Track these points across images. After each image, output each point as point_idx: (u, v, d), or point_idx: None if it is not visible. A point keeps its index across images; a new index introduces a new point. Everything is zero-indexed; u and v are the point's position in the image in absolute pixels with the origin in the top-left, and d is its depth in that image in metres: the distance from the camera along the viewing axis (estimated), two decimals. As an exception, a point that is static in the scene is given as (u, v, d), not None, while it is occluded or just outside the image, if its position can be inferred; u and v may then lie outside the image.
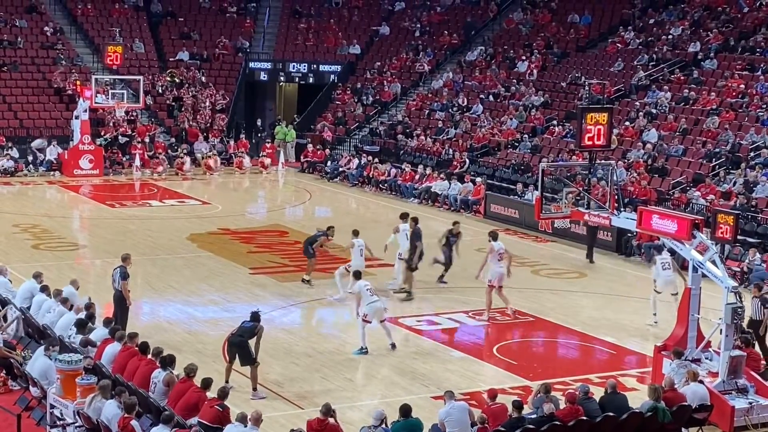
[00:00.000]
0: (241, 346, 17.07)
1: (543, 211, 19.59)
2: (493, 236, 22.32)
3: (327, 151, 42.26)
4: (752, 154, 31.88)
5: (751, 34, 39.40)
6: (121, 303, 19.28)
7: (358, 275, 20.16)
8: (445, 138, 40.76)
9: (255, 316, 17.43)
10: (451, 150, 39.17)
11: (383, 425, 13.92)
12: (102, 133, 41.54)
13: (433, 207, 35.18)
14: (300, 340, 20.27)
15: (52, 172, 39.36)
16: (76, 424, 14.58)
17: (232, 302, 22.65)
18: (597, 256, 27.93)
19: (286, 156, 43.54)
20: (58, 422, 15.03)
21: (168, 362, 15.29)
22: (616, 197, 19.70)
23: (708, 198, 29.50)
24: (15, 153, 39.67)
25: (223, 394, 14.36)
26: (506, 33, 48.08)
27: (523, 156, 37.02)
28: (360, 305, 19.43)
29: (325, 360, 19.07)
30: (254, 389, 17.00)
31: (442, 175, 36.25)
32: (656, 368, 17.68)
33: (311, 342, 20.18)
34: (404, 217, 24.59)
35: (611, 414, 14.82)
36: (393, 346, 19.51)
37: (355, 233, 23.55)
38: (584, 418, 14.58)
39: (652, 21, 43.60)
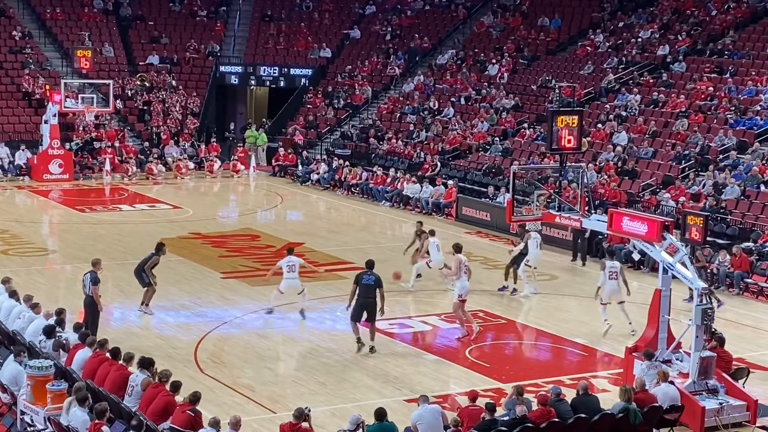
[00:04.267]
0: (137, 273, 21.71)
1: (514, 214, 19.66)
2: (457, 248, 21.56)
3: (304, 153, 42.20)
4: (721, 156, 32.11)
5: (719, 37, 39.70)
6: (93, 308, 19.20)
7: (290, 251, 22.29)
8: (416, 141, 40.81)
9: (158, 247, 21.83)
10: (422, 153, 39.22)
11: (359, 430, 13.91)
12: (73, 138, 41.35)
13: (405, 210, 35.22)
14: (272, 344, 20.22)
15: (21, 177, 39.11)
16: (47, 431, 14.47)
17: (203, 307, 22.57)
18: (568, 258, 28.00)
19: (257, 160, 43.45)
20: (28, 428, 14.91)
21: (146, 365, 15.25)
22: (587, 200, 19.77)
23: (678, 200, 29.68)
24: (-17, 158, 39.43)
25: (195, 398, 14.29)
26: (477, 36, 48.21)
27: (494, 159, 37.12)
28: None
29: (298, 364, 19.04)
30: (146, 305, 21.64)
31: (413, 179, 36.29)
32: (627, 369, 17.76)
33: (283, 346, 20.13)
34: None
35: (583, 415, 14.87)
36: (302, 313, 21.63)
37: (431, 233, 24.57)
38: (556, 419, 14.63)
39: (621, 24, 43.85)
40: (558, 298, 24.26)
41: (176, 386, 14.72)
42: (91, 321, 18.94)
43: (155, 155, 41.75)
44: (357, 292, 19.51)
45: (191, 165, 41.75)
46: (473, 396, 15.18)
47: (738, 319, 22.60)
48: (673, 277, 17.28)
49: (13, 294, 19.07)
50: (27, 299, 18.69)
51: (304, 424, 13.88)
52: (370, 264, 20.02)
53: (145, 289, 21.73)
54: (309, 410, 14.00)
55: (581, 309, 23.46)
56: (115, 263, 25.84)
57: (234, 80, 49.19)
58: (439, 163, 37.89)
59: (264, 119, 47.94)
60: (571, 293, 24.72)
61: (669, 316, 17.56)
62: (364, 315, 19.49)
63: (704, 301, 16.57)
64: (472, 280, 25.07)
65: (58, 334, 17.16)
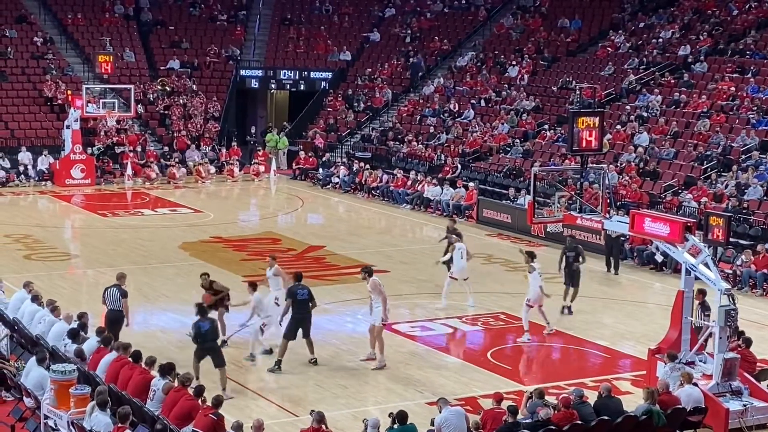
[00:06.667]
0: (215, 350, 17.50)
1: (535, 216, 19.62)
2: (368, 272, 19.50)
3: (326, 156, 42.24)
4: (743, 156, 31.94)
5: (740, 37, 39.50)
6: (116, 323, 18.71)
7: (254, 287, 19.19)
8: (436, 143, 40.78)
9: (202, 311, 17.75)
10: (442, 155, 39.19)
11: (379, 432, 13.92)
12: (95, 143, 41.57)
13: (426, 213, 35.20)
14: (294, 347, 20.19)
15: (43, 182, 39.31)
16: (70, 435, 14.54)
17: (225, 310, 22.56)
18: (590, 260, 27.84)
19: (278, 163, 43.52)
20: (51, 433, 15.00)
21: (167, 370, 15.29)
22: (608, 201, 19.71)
23: (700, 201, 29.54)
24: (6, 163, 39.61)
25: (218, 402, 14.33)
26: (497, 38, 48.13)
27: (514, 161, 37.05)
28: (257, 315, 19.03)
29: (319, 367, 19.04)
30: (224, 389, 17.01)
31: (434, 181, 36.26)
32: (650, 371, 17.68)
33: (305, 349, 20.10)
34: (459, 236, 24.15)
35: (606, 418, 14.82)
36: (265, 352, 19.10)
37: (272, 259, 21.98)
38: (579, 422, 14.58)
39: (642, 25, 43.69)
40: (579, 300, 24.14)
41: (200, 390, 14.76)
42: (115, 334, 18.70)
43: (176, 159, 41.90)
44: (291, 307, 18.64)
45: (212, 169, 41.88)
46: (498, 398, 15.14)
47: (762, 320, 22.45)
48: (696, 278, 17.18)
49: (35, 298, 19.20)
50: (49, 303, 18.81)
51: (324, 428, 13.91)
52: (299, 276, 19.20)
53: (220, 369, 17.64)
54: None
55: (602, 310, 23.37)
56: (136, 267, 25.97)
57: (254, 84, 49.29)
58: (459, 166, 37.85)
59: (284, 123, 48.00)
60: (592, 295, 24.61)
61: (692, 317, 17.47)
62: (299, 332, 18.71)
63: (728, 302, 16.49)
64: (492, 281, 25.11)
65: (82, 338, 17.27)
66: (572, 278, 23.22)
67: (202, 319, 17.65)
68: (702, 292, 18.22)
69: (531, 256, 21.49)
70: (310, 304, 18.79)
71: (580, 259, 23.20)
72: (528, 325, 20.92)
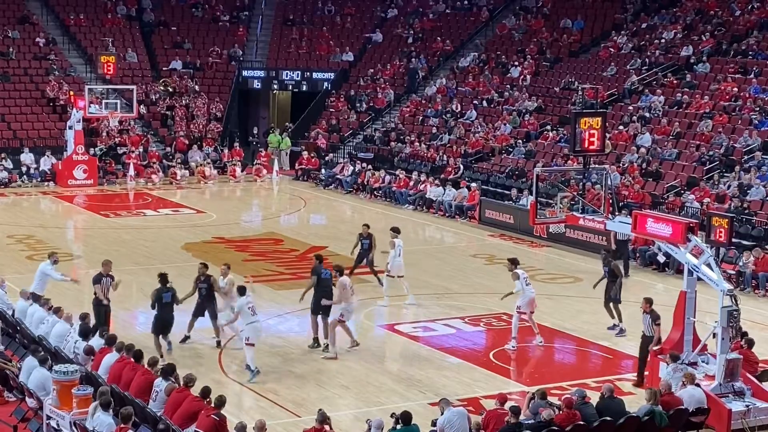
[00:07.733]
0: (171, 322, 19.00)
1: (538, 216, 19.64)
2: (340, 271, 20.03)
3: (329, 156, 42.24)
4: (746, 156, 31.93)
5: (743, 38, 39.48)
6: (97, 308, 19.50)
7: (242, 291, 18.69)
8: (439, 144, 40.78)
9: (165, 280, 18.99)
10: (445, 156, 39.19)
11: (381, 434, 13.92)
12: (97, 143, 41.60)
13: (428, 213, 35.18)
14: (296, 348, 20.23)
15: (46, 183, 39.34)
16: (73, 435, 14.54)
17: (227, 310, 22.55)
18: (592, 261, 27.88)
19: (280, 164, 43.54)
20: (54, 433, 15.00)
21: (169, 372, 15.30)
22: (611, 201, 19.72)
23: (702, 201, 29.52)
24: (9, 164, 39.65)
25: (220, 403, 14.33)
26: (499, 39, 48.13)
27: (517, 161, 37.04)
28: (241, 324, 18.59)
29: (321, 368, 19.05)
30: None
31: (436, 182, 36.25)
32: (653, 372, 17.68)
33: (307, 350, 20.13)
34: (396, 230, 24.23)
35: (608, 418, 14.82)
36: (256, 370, 18.27)
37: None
38: (581, 422, 14.58)
39: (644, 25, 43.66)
40: (582, 301, 24.16)
41: (206, 392, 14.73)
42: (97, 321, 19.05)
43: (178, 160, 41.92)
44: (316, 285, 19.79)
45: (214, 170, 41.87)
46: (503, 399, 15.14)
47: (764, 321, 22.43)
48: (698, 279, 17.18)
49: (36, 299, 19.26)
50: (44, 303, 18.91)
51: (327, 428, 13.91)
52: (320, 258, 20.62)
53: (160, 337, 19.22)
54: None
55: (604, 311, 23.32)
56: (139, 268, 25.97)
57: (256, 85, 49.31)
58: (461, 166, 37.84)
59: (287, 123, 47.99)
60: (595, 296, 24.58)
61: (694, 318, 17.46)
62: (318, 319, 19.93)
63: (730, 303, 16.48)
64: (495, 282, 25.09)
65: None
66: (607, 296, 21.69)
67: (163, 288, 18.80)
68: (649, 301, 18.24)
69: (514, 262, 21.04)
70: (332, 285, 19.67)
71: (618, 275, 21.72)
72: (516, 332, 20.57)
